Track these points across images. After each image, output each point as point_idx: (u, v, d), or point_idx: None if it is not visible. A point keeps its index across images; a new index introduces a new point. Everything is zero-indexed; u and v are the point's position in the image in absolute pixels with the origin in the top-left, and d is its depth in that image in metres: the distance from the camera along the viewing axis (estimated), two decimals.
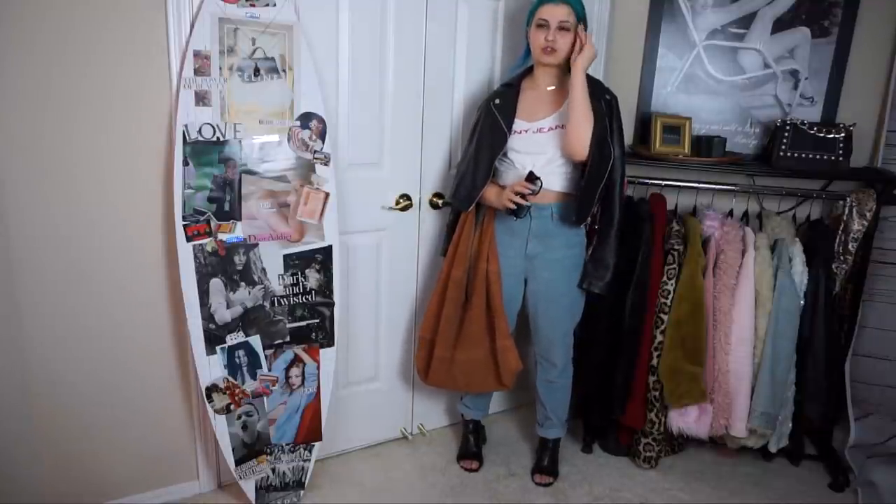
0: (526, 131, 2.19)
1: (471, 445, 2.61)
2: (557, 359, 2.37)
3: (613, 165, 2.16)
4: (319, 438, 2.30)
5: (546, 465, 2.51)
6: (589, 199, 2.14)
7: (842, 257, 2.53)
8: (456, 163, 2.47)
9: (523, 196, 2.09)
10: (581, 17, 2.13)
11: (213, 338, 2.04)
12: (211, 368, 2.05)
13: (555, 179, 2.19)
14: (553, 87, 2.21)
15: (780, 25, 2.66)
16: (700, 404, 2.45)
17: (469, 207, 2.25)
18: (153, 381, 2.14)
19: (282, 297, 2.13)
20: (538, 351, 2.41)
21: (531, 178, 2.09)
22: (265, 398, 2.16)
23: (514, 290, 2.32)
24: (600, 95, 2.16)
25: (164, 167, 1.98)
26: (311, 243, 2.15)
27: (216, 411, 2.08)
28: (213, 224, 1.99)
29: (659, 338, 2.45)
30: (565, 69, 2.19)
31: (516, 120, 2.19)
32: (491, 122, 2.20)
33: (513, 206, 2.11)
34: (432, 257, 2.56)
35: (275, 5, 1.96)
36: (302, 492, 2.31)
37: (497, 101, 2.21)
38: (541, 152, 2.18)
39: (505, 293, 2.30)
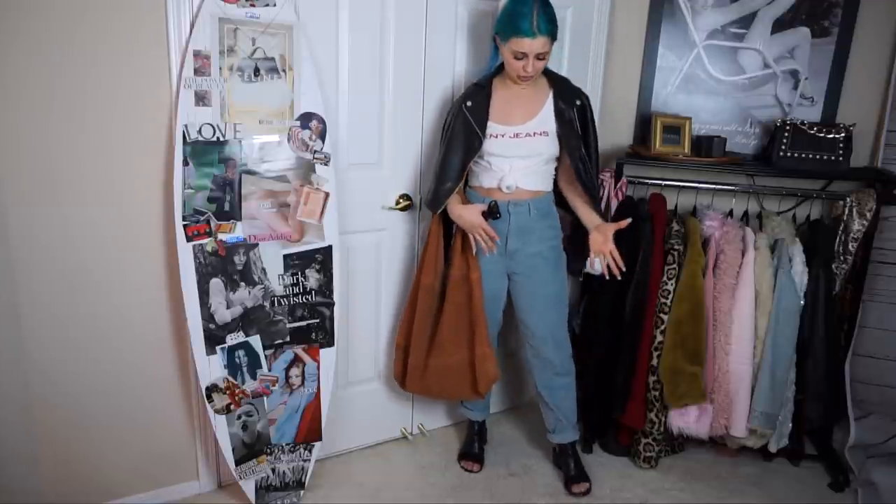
0: (502, 135, 2.16)
1: (474, 447, 2.61)
2: (552, 354, 2.35)
3: (593, 166, 2.23)
4: (319, 438, 2.30)
5: (575, 473, 2.45)
6: (594, 193, 2.24)
7: (842, 257, 2.53)
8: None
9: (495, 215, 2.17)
10: (555, 38, 2.06)
11: (213, 338, 2.04)
12: (211, 368, 2.05)
13: (531, 179, 2.21)
14: (525, 88, 2.17)
15: (780, 25, 2.66)
16: (700, 404, 2.45)
17: (437, 210, 2.24)
18: (153, 381, 2.14)
19: (282, 297, 2.13)
20: (532, 351, 2.38)
21: (493, 211, 2.15)
22: (265, 398, 2.17)
23: (498, 289, 2.33)
24: (572, 101, 2.16)
25: (164, 167, 1.98)
26: (311, 243, 2.15)
27: (216, 411, 2.08)
28: (213, 224, 1.99)
29: (659, 338, 2.45)
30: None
31: (491, 123, 2.16)
32: (463, 126, 2.16)
33: (477, 241, 2.17)
34: None
35: (275, 5, 1.96)
36: (302, 492, 2.31)
37: (469, 103, 2.17)
38: (517, 155, 2.18)
39: (488, 292, 2.29)
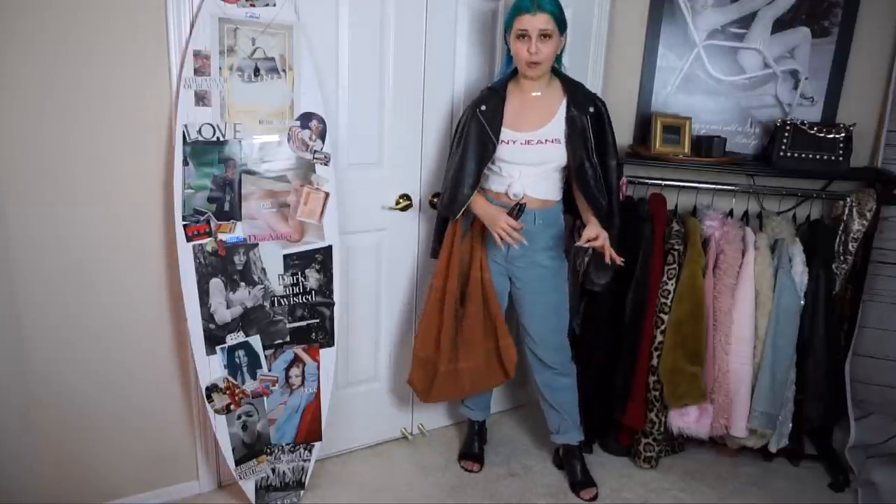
0: (514, 142, 2.16)
1: (474, 447, 2.61)
2: (552, 358, 2.35)
3: (608, 172, 2.19)
4: (319, 438, 2.30)
5: (582, 478, 2.44)
6: (606, 209, 2.19)
7: (842, 257, 2.53)
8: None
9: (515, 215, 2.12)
10: (561, 23, 2.07)
11: (213, 338, 2.04)
12: (211, 368, 2.05)
13: (540, 187, 2.20)
14: (539, 94, 2.17)
15: (780, 25, 2.66)
16: (700, 404, 2.45)
17: (457, 216, 2.22)
18: (153, 381, 2.14)
19: (282, 297, 2.13)
20: (532, 354, 2.38)
21: (518, 210, 2.11)
22: (265, 398, 2.17)
23: (501, 288, 2.33)
24: (585, 107, 2.14)
25: (164, 167, 1.98)
26: (311, 243, 2.15)
27: (216, 411, 2.08)
28: (213, 224, 1.99)
29: (659, 338, 2.45)
30: (550, 73, 2.17)
31: (504, 129, 2.15)
32: (478, 130, 2.15)
33: (502, 236, 2.11)
34: None
35: (275, 5, 1.96)
36: (302, 492, 2.31)
37: (483, 107, 2.16)
38: (528, 163, 2.17)
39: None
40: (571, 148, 2.15)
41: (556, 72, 2.21)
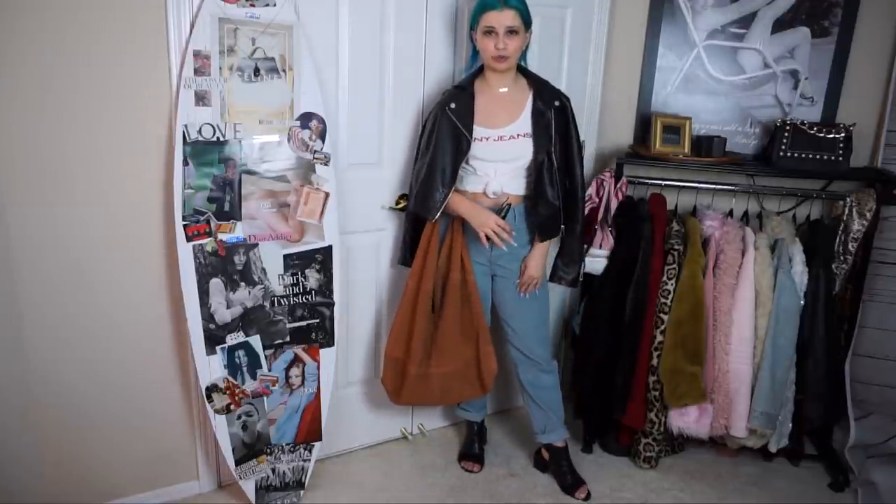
0: (487, 139, 2.15)
1: (474, 447, 2.61)
2: (535, 352, 2.34)
3: (572, 167, 2.21)
4: (319, 438, 2.30)
5: (572, 479, 2.43)
6: (568, 201, 2.24)
7: (842, 257, 2.53)
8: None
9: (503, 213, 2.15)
10: (527, 19, 2.08)
11: (213, 338, 2.04)
12: (211, 368, 2.05)
13: (515, 184, 2.21)
14: (506, 90, 2.17)
15: (780, 25, 2.66)
16: (700, 404, 2.45)
17: (436, 216, 2.19)
18: (153, 381, 2.14)
19: (282, 297, 2.13)
20: (516, 350, 2.37)
21: (506, 211, 2.13)
22: (265, 398, 2.17)
23: (485, 288, 2.33)
24: (550, 102, 2.15)
25: (164, 167, 1.98)
26: (311, 243, 2.15)
27: (216, 411, 2.08)
28: (213, 224, 1.99)
29: (659, 338, 2.45)
30: (515, 69, 2.18)
31: (476, 126, 2.14)
32: (450, 129, 2.14)
33: (491, 237, 2.12)
34: None
35: (275, 5, 1.96)
36: (302, 492, 2.31)
37: (452, 105, 2.14)
38: (502, 159, 2.17)
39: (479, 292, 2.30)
40: (534, 140, 2.15)
41: (522, 69, 2.22)
